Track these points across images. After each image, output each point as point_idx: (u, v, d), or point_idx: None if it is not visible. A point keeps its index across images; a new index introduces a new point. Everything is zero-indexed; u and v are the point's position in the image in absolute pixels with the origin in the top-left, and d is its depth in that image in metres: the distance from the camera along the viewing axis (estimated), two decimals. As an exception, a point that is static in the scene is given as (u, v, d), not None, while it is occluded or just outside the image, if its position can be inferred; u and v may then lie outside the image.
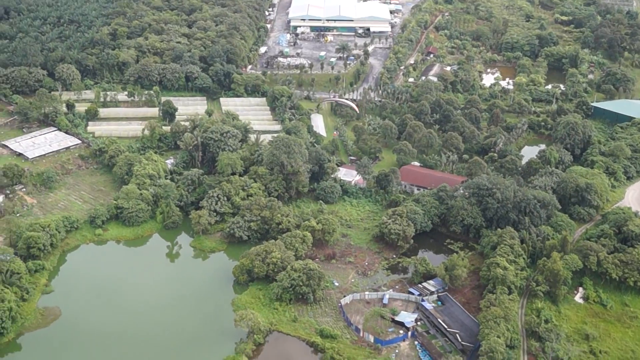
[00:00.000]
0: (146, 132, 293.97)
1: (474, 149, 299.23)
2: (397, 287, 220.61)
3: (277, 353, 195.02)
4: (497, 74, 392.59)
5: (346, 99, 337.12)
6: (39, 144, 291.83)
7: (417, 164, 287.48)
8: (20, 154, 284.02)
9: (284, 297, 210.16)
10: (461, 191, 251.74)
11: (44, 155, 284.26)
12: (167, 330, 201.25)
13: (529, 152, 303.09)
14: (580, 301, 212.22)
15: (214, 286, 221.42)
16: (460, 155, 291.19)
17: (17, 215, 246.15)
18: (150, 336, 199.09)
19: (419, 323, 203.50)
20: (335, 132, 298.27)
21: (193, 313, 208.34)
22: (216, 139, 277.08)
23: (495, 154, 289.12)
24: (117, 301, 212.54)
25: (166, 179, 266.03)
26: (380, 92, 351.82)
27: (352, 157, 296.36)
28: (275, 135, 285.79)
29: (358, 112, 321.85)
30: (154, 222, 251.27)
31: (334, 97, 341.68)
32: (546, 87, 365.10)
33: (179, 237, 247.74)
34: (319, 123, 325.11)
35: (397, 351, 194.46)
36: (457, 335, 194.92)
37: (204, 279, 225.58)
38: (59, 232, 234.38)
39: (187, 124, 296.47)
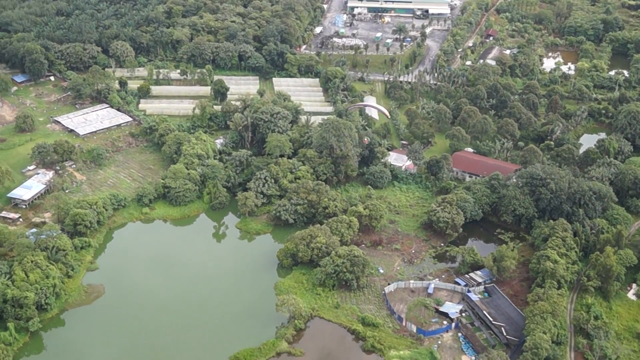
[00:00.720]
0: (197, 111, 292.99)
1: (530, 136, 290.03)
2: (443, 276, 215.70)
3: (318, 339, 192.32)
4: (559, 59, 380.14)
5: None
6: (91, 120, 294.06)
7: (470, 150, 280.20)
8: (71, 130, 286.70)
9: (327, 282, 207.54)
10: (514, 180, 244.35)
11: (95, 132, 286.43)
12: (208, 312, 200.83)
13: (588, 141, 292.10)
14: (633, 298, 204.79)
15: (258, 268, 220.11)
16: (515, 143, 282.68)
17: (67, 191, 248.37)
18: (192, 317, 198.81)
19: (463, 314, 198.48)
20: (365, 139, 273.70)
21: (236, 295, 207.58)
22: (266, 119, 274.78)
23: (552, 142, 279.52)
24: (161, 280, 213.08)
25: (215, 159, 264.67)
26: (436, 75, 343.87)
27: (404, 142, 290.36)
28: (325, 117, 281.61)
29: (389, 116, 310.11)
30: (201, 202, 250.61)
31: (367, 100, 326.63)
32: (609, 73, 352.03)
33: (225, 218, 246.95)
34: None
35: (439, 342, 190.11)
36: (502, 328, 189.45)
37: (248, 261, 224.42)
38: (106, 210, 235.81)
39: (238, 103, 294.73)
